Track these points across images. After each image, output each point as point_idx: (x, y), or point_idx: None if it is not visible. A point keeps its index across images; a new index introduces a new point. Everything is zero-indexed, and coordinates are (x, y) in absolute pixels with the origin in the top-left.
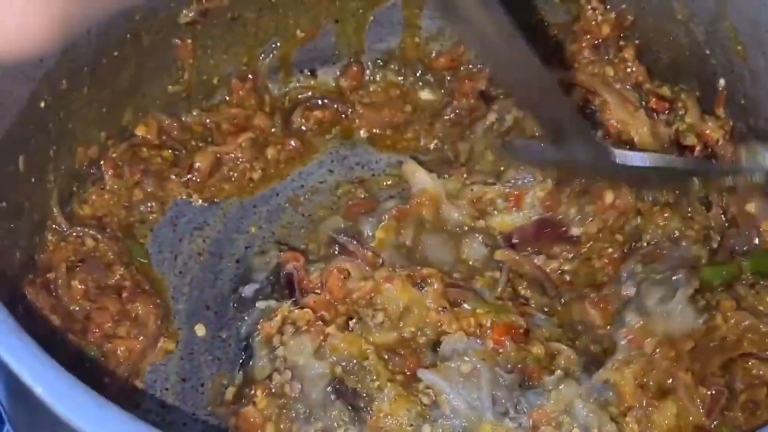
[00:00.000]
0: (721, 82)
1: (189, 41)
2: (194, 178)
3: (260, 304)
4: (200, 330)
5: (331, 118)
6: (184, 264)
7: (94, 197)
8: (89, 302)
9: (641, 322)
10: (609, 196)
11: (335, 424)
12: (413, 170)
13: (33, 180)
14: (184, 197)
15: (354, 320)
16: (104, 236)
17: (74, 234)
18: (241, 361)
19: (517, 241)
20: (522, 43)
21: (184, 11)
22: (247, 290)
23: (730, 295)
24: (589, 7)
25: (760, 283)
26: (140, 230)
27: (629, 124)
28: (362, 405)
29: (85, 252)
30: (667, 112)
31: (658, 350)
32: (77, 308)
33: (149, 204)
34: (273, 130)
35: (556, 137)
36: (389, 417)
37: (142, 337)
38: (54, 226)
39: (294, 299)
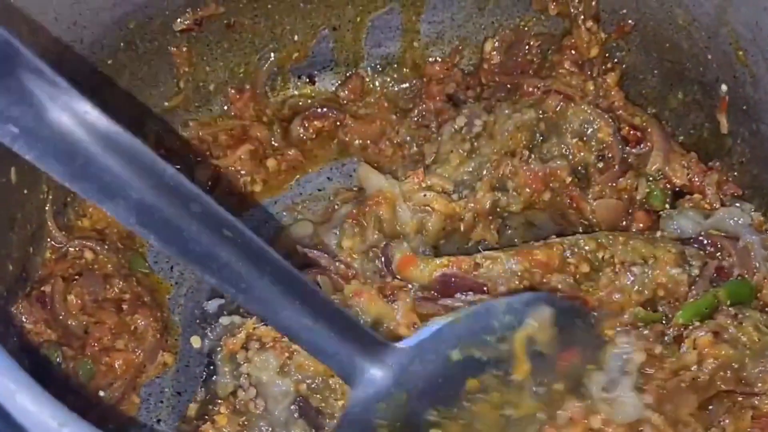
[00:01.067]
0: (723, 87)
1: (184, 49)
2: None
3: (224, 320)
4: (196, 342)
5: (330, 126)
6: (180, 274)
7: (91, 210)
8: (86, 316)
9: (582, 405)
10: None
11: None
12: (366, 173)
13: (25, 191)
14: None
15: None
16: (103, 248)
17: (73, 247)
18: (203, 377)
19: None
20: None
21: (179, 19)
22: (211, 305)
23: (711, 328)
24: (584, 26)
25: (743, 313)
26: (139, 240)
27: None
28: (325, 425)
29: (83, 265)
30: (637, 144)
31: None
32: (74, 322)
33: None
34: (272, 140)
35: None
36: None
37: (140, 351)
38: (50, 239)
39: None
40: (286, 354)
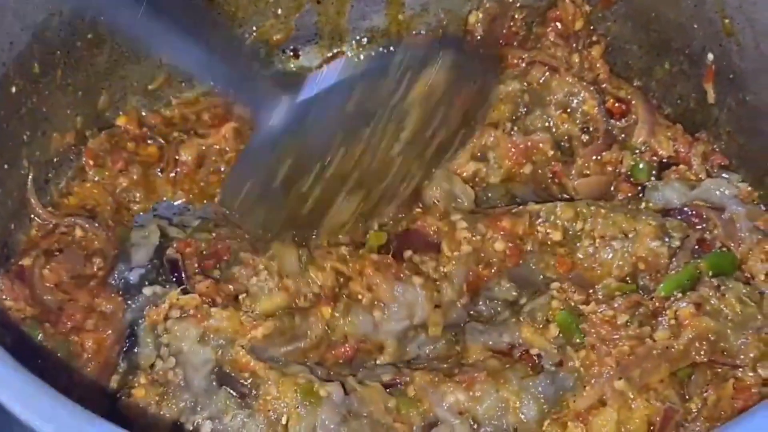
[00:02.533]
0: (710, 56)
1: None
2: (181, 172)
3: (147, 291)
4: None
5: None
6: None
7: (76, 189)
8: (62, 293)
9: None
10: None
11: (223, 411)
12: None
13: (6, 167)
14: (170, 196)
15: (243, 296)
16: (93, 225)
17: (64, 224)
18: (124, 348)
19: None
20: None
21: None
22: (133, 275)
23: (692, 300)
24: None
25: (725, 284)
26: (128, 215)
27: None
28: (246, 391)
29: (69, 242)
30: (623, 118)
31: None
32: (50, 297)
33: (135, 194)
34: None
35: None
36: (277, 400)
37: (110, 331)
38: (34, 216)
39: (183, 287)
40: (205, 322)
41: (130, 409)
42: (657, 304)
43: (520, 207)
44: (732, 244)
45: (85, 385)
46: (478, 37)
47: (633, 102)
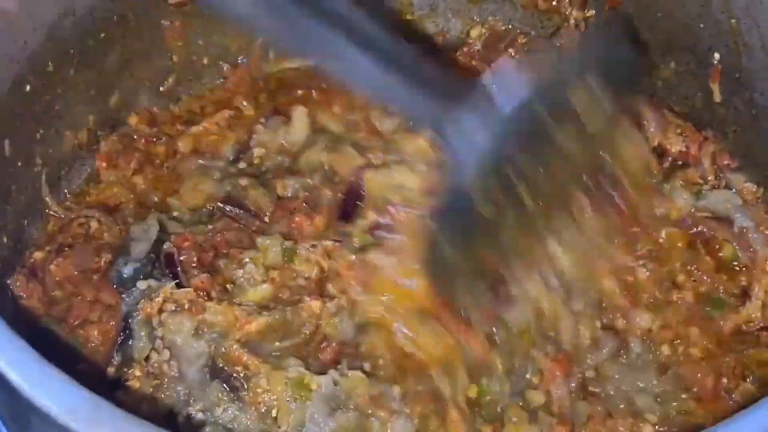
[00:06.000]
0: (716, 56)
1: (177, 23)
2: (177, 161)
3: (141, 284)
4: None
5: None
6: None
7: (92, 190)
8: (72, 286)
9: None
10: None
11: (216, 403)
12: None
13: (19, 164)
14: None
15: (231, 285)
16: (108, 219)
17: (82, 215)
18: (119, 341)
19: None
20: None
21: None
22: (127, 269)
23: None
24: (571, 17)
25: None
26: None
27: None
28: (238, 384)
29: (83, 236)
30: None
31: None
32: (58, 293)
33: (153, 197)
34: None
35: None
36: (267, 393)
37: (113, 323)
38: (48, 211)
39: (177, 281)
40: (200, 316)
41: (126, 400)
42: None
43: None
44: (747, 256)
45: (86, 377)
46: (476, 50)
47: (637, 108)
